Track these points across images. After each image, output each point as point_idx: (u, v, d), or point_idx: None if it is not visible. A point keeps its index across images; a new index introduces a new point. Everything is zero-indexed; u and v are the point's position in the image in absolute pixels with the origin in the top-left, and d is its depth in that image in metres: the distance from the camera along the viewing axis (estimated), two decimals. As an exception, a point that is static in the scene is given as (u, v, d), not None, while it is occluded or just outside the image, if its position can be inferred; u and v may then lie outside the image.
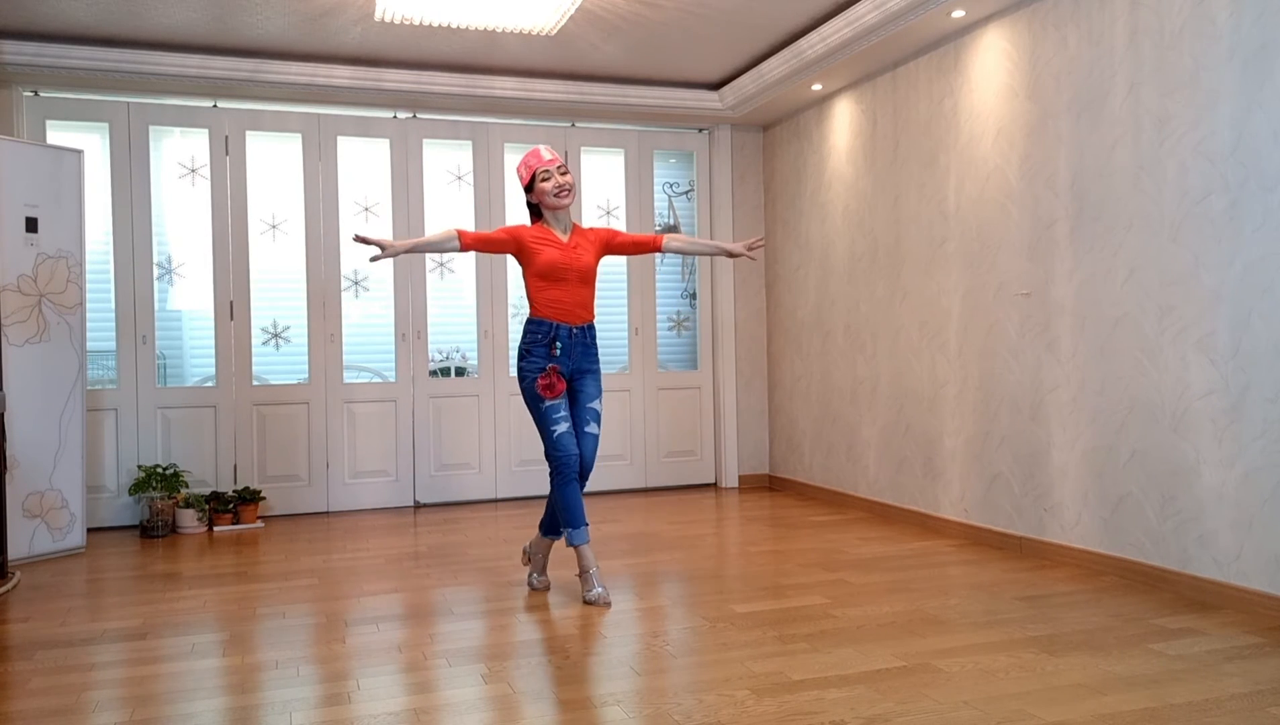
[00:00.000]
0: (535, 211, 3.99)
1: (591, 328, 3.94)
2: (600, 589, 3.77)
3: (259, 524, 5.66)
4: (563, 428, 3.80)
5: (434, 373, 6.39)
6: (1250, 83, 3.44)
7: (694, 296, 6.99)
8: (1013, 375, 4.55)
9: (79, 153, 5.09)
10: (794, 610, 3.59)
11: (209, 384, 5.93)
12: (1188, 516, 3.69)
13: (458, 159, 6.45)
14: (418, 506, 6.22)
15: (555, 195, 3.84)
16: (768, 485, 6.85)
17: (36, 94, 5.57)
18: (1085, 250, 4.13)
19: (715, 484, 6.85)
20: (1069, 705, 2.60)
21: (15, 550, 4.65)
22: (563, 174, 3.85)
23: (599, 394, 3.94)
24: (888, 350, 5.49)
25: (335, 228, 6.07)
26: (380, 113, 6.14)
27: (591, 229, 4.04)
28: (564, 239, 3.91)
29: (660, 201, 6.90)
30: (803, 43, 5.37)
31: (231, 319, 5.90)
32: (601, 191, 6.75)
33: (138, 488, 5.45)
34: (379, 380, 6.28)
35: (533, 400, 3.83)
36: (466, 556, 4.69)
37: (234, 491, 5.72)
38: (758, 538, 5.01)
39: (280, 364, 6.14)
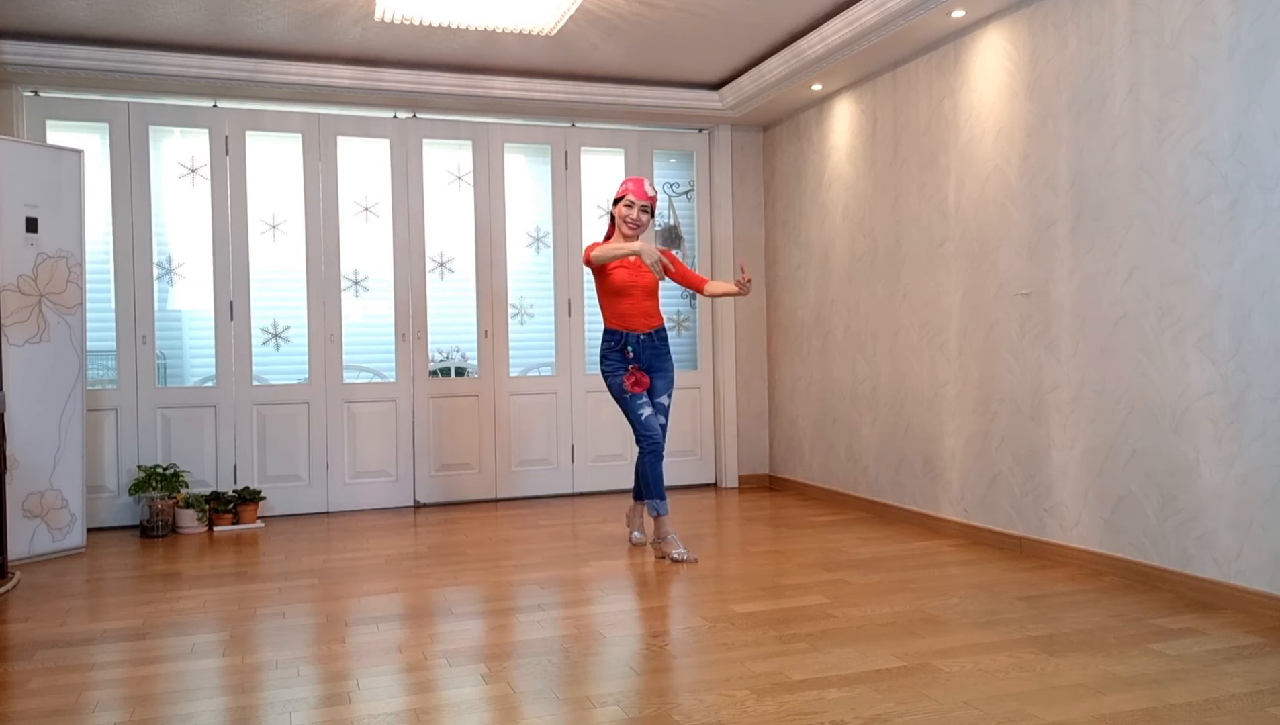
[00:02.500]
0: (614, 220, 4.65)
1: (660, 332, 4.63)
2: (684, 549, 4.50)
3: (259, 524, 5.66)
4: (647, 412, 4.52)
5: (434, 373, 6.39)
6: (1250, 83, 3.44)
7: (694, 297, 6.99)
8: (1013, 375, 4.56)
9: (79, 153, 5.09)
10: (794, 610, 3.59)
11: (209, 384, 5.93)
12: (1188, 516, 3.69)
13: (458, 159, 6.45)
14: (418, 506, 6.22)
15: (625, 224, 4.55)
16: (768, 485, 6.85)
17: (36, 94, 5.58)
18: (1085, 250, 4.13)
19: (715, 484, 6.85)
20: (1069, 705, 2.60)
21: (15, 550, 4.65)
22: (644, 212, 4.55)
23: (668, 389, 4.63)
24: (888, 350, 5.49)
25: (335, 228, 6.07)
26: (380, 113, 6.14)
27: (659, 249, 4.56)
28: (632, 259, 4.54)
29: (660, 201, 6.90)
30: (803, 43, 5.37)
31: (231, 319, 5.90)
32: (602, 191, 6.75)
33: (138, 488, 5.45)
34: (379, 380, 6.28)
35: (617, 392, 4.57)
36: (466, 556, 4.69)
37: (234, 491, 5.72)
38: (758, 538, 5.01)
39: (280, 364, 6.14)
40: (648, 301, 4.57)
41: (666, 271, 4.47)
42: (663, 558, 4.50)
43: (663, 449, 4.56)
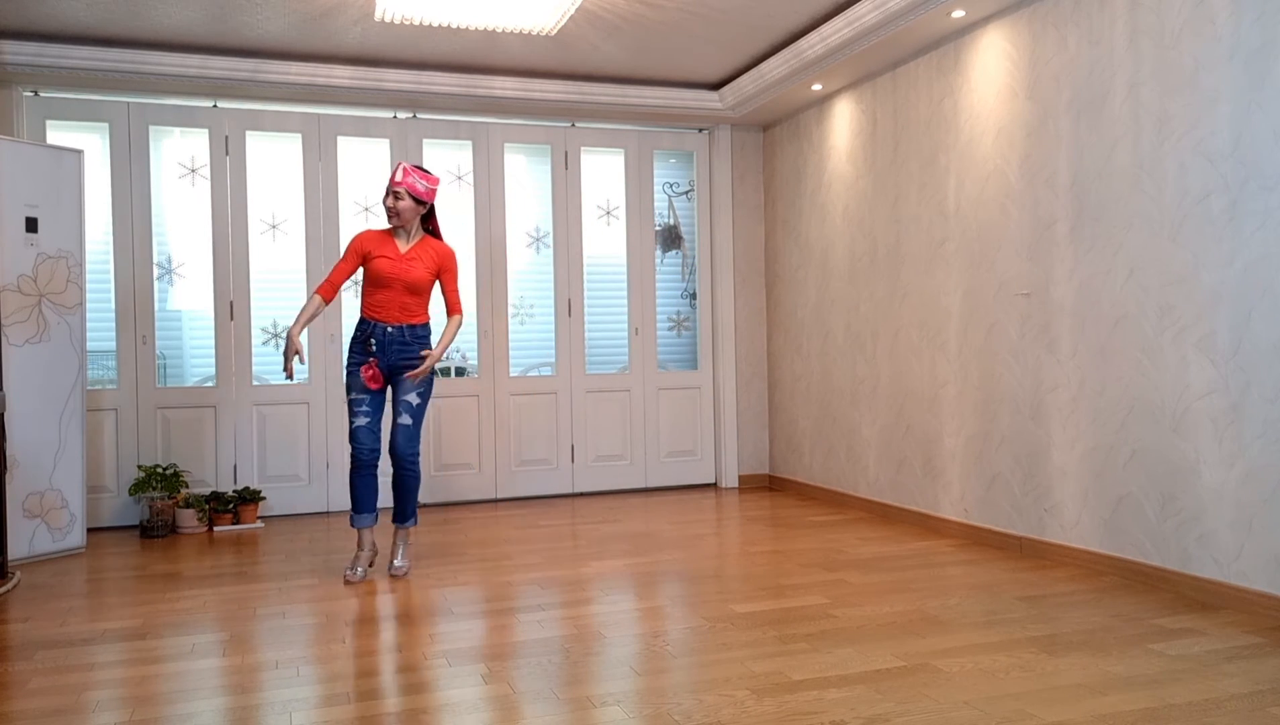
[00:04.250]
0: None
1: (414, 328, 4.28)
2: (363, 569, 4.25)
3: (259, 524, 5.66)
4: (360, 422, 4.22)
5: (434, 373, 6.37)
6: (1250, 83, 3.44)
7: (694, 296, 6.99)
8: (1013, 375, 4.56)
9: (79, 153, 5.08)
10: (794, 610, 3.59)
11: (209, 384, 5.93)
12: (1188, 516, 3.69)
13: (458, 159, 6.45)
14: (418, 506, 6.21)
15: (388, 210, 4.24)
16: (768, 485, 6.85)
17: (36, 94, 5.58)
18: (1085, 250, 4.13)
19: (715, 484, 6.85)
20: (1069, 705, 2.60)
21: (15, 550, 4.65)
22: (396, 197, 4.21)
23: (415, 388, 4.28)
24: (888, 350, 5.49)
25: (335, 228, 6.07)
26: (380, 113, 6.14)
27: (438, 246, 4.35)
28: (402, 250, 4.27)
29: (660, 201, 6.90)
30: (803, 43, 5.37)
31: (231, 319, 5.90)
32: (601, 191, 6.75)
33: (138, 488, 5.45)
34: (379, 380, 6.28)
35: (347, 390, 4.28)
36: (466, 556, 4.69)
37: (234, 491, 5.72)
38: (758, 538, 5.01)
39: (280, 364, 6.14)
40: (408, 297, 4.24)
41: (440, 278, 4.29)
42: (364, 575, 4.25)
43: (399, 458, 4.23)
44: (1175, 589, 3.72)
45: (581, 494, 6.55)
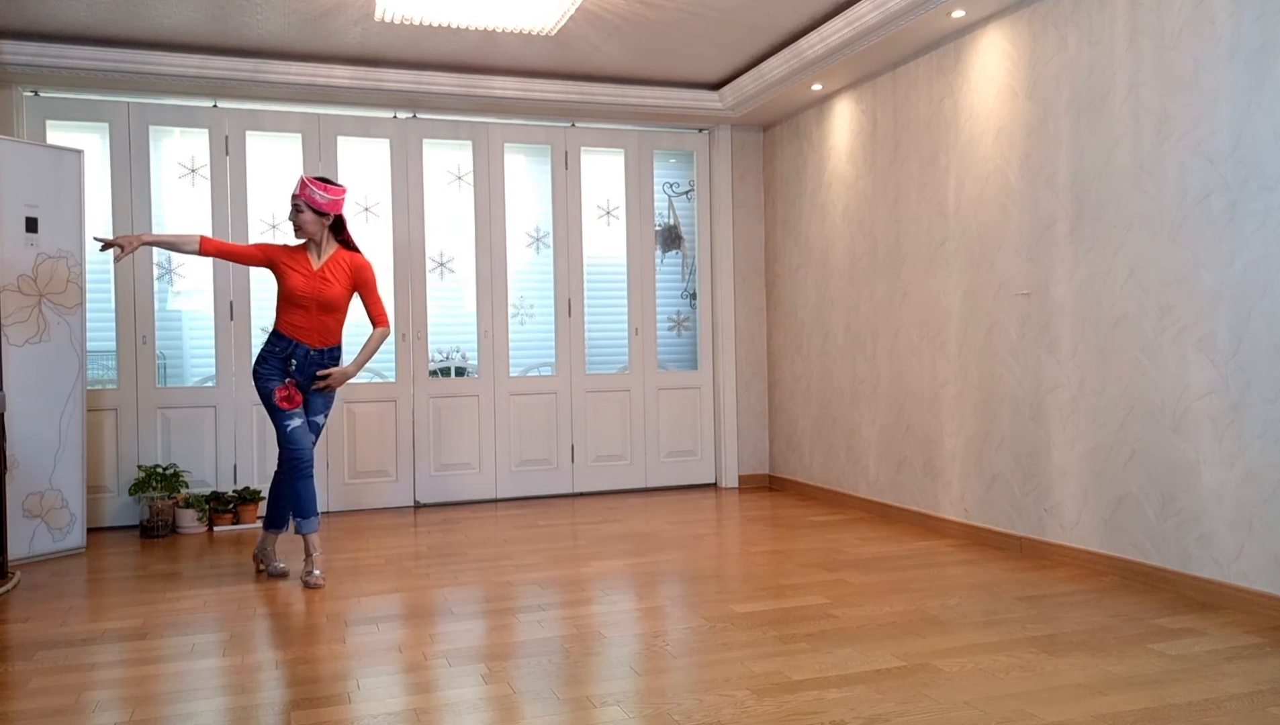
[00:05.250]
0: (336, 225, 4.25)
1: (333, 351, 4.23)
2: (319, 572, 4.15)
3: (259, 524, 5.66)
4: (296, 422, 4.13)
5: (434, 373, 6.38)
6: (1250, 83, 3.44)
7: (694, 296, 6.99)
8: (1013, 375, 4.56)
9: (79, 153, 5.08)
10: (794, 610, 3.59)
11: (209, 384, 5.93)
12: (1188, 516, 3.69)
13: (458, 159, 6.45)
14: (418, 506, 6.22)
15: (296, 227, 4.14)
16: (768, 485, 6.85)
17: (36, 94, 5.58)
18: (1085, 250, 4.13)
19: (715, 484, 6.85)
20: (1069, 705, 2.60)
21: (15, 550, 4.65)
22: (296, 211, 4.11)
23: (325, 410, 4.30)
24: (888, 350, 5.49)
25: (335, 228, 6.07)
26: (380, 113, 6.14)
27: (352, 258, 4.23)
28: (315, 266, 4.16)
29: (660, 201, 6.90)
30: (803, 43, 5.37)
31: (231, 319, 5.90)
32: (601, 191, 6.75)
33: (138, 488, 5.45)
34: (379, 380, 6.28)
35: (266, 398, 4.15)
36: (466, 556, 4.69)
37: (234, 491, 5.72)
38: (758, 538, 5.01)
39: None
40: (325, 317, 4.15)
41: (359, 291, 4.21)
42: (308, 581, 4.13)
43: (311, 465, 4.18)
44: (1175, 589, 3.72)
45: (581, 494, 6.55)
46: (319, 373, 4.20)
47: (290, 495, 4.18)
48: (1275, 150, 3.36)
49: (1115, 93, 3.99)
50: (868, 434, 5.70)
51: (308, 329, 4.15)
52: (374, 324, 4.28)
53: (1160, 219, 3.78)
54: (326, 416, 4.33)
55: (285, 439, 4.12)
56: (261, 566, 4.43)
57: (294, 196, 4.12)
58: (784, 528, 5.27)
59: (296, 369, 4.17)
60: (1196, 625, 3.31)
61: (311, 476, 4.19)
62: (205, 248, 4.10)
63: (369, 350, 4.22)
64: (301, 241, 4.23)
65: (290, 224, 4.21)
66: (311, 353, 4.17)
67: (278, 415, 4.13)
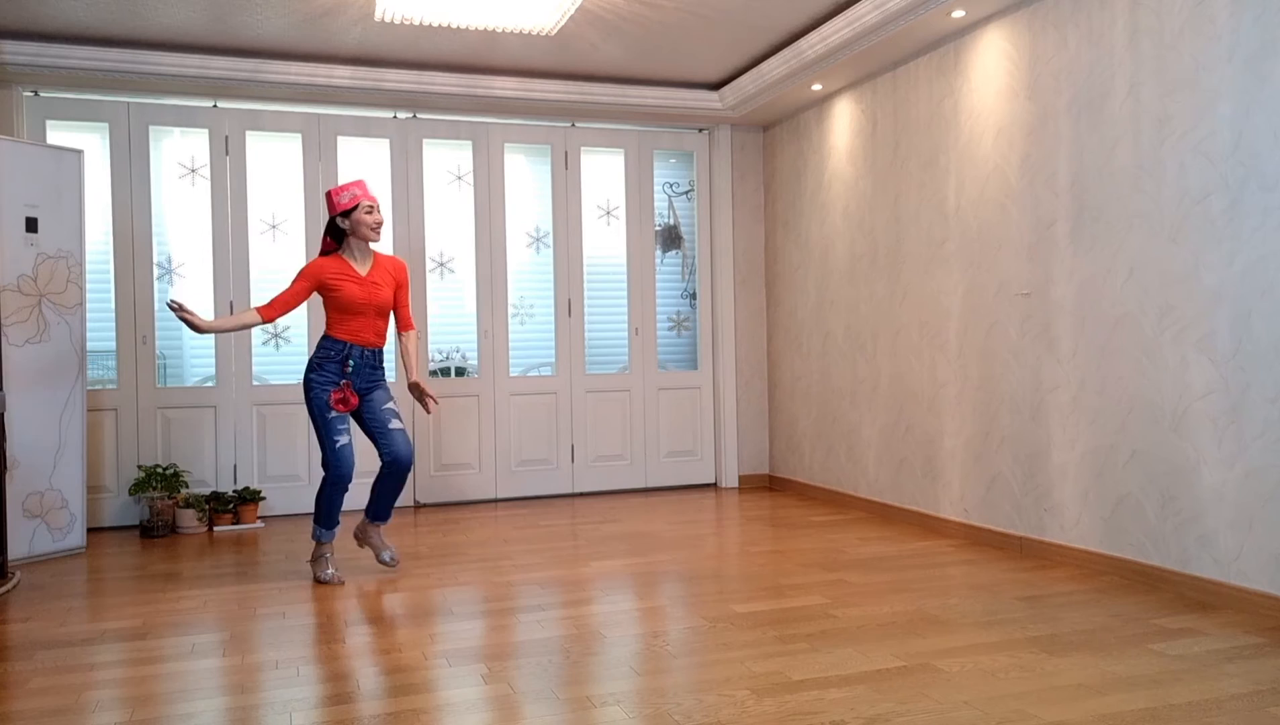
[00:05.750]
0: (336, 233, 4.23)
1: (379, 352, 4.31)
2: (333, 571, 4.22)
3: (259, 524, 5.66)
4: (344, 440, 4.16)
5: (434, 373, 6.38)
6: (1250, 83, 3.44)
7: (694, 296, 6.99)
8: (1013, 375, 4.56)
9: (79, 153, 5.09)
10: (794, 610, 3.59)
11: (209, 384, 5.93)
12: (1188, 516, 3.69)
13: (458, 159, 6.45)
14: (418, 506, 6.22)
15: (373, 229, 4.19)
16: (768, 485, 6.85)
17: (36, 94, 5.58)
18: (1085, 250, 4.13)
19: (715, 484, 6.85)
20: (1069, 705, 2.60)
21: (15, 550, 4.65)
22: (379, 212, 4.23)
23: (391, 398, 4.33)
24: (888, 350, 5.49)
25: (335, 228, 6.07)
26: (380, 113, 6.14)
27: (392, 261, 4.34)
28: (362, 272, 4.22)
29: (660, 201, 6.90)
30: (803, 43, 5.37)
31: (231, 319, 5.90)
32: (601, 191, 6.75)
33: (138, 488, 5.45)
34: (379, 380, 6.28)
35: (319, 411, 4.15)
36: (466, 556, 4.69)
37: (234, 491, 5.72)
38: (758, 538, 5.01)
39: (280, 364, 6.14)
40: (379, 321, 4.26)
41: (395, 292, 4.26)
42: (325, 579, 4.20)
43: (403, 466, 4.20)
44: (1175, 589, 3.72)
45: (581, 494, 6.55)
46: (430, 396, 4.31)
47: (324, 501, 4.19)
48: (1275, 150, 3.36)
49: (1115, 93, 3.99)
50: (868, 434, 5.70)
51: (365, 332, 4.22)
52: (403, 327, 4.38)
53: (1160, 219, 3.78)
54: (394, 400, 4.33)
55: (333, 456, 4.12)
56: (367, 549, 4.48)
57: (373, 198, 4.19)
58: (784, 528, 5.27)
59: (354, 371, 4.19)
60: (1196, 625, 3.31)
61: (404, 476, 4.25)
62: (268, 316, 4.11)
63: (417, 355, 4.39)
64: (330, 253, 4.22)
65: (367, 230, 4.17)
66: (366, 352, 4.23)
67: (327, 430, 4.12)
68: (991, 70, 4.66)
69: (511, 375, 6.45)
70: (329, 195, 4.20)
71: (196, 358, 6.07)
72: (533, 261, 6.62)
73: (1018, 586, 3.88)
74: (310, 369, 4.18)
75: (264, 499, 5.86)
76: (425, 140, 6.27)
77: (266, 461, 5.95)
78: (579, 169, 6.56)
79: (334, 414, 4.14)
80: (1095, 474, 4.10)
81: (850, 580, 4.04)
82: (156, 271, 5.85)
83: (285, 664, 3.09)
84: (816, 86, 5.81)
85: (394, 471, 4.24)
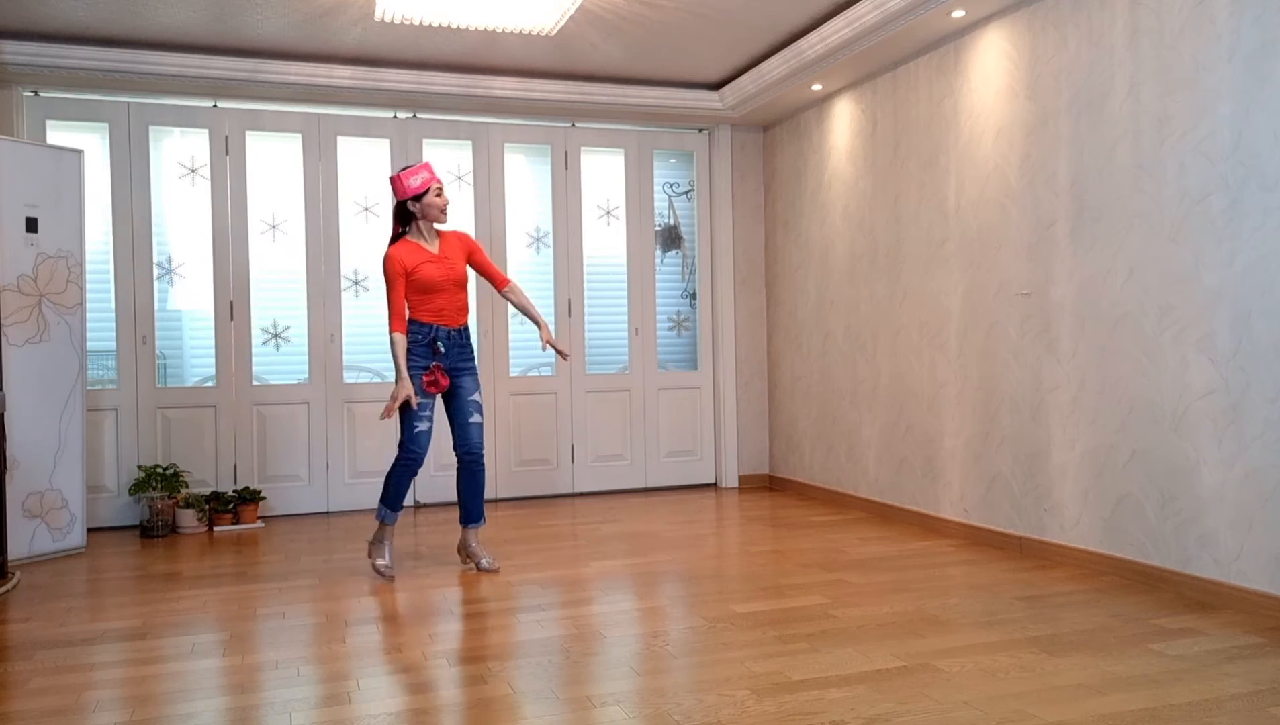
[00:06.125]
0: (403, 217, 4.29)
1: (466, 330, 4.36)
2: (386, 562, 4.28)
3: (259, 524, 5.66)
4: (423, 427, 4.22)
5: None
6: (1250, 83, 3.44)
7: (694, 296, 6.99)
8: (1013, 375, 4.56)
9: (79, 153, 5.09)
10: (794, 610, 3.59)
11: (209, 384, 5.93)
12: (1188, 516, 3.69)
13: (458, 159, 6.45)
14: (418, 506, 6.22)
15: (442, 210, 4.28)
16: (768, 485, 6.85)
17: (36, 94, 5.58)
18: (1085, 250, 4.13)
19: (715, 484, 6.85)
20: (1069, 705, 2.60)
21: (15, 550, 4.65)
22: (445, 193, 4.32)
23: (478, 388, 4.37)
24: (888, 350, 5.49)
25: (335, 228, 6.07)
26: (380, 113, 6.14)
27: (454, 234, 4.39)
28: (434, 251, 4.29)
29: (660, 201, 6.90)
30: (803, 43, 5.37)
31: (231, 319, 5.90)
32: (601, 191, 6.75)
33: (138, 488, 5.45)
34: (379, 380, 6.28)
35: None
36: (466, 556, 4.69)
37: (234, 491, 5.72)
38: (758, 538, 5.01)
39: (280, 364, 6.14)
40: (460, 295, 4.30)
41: (471, 261, 4.36)
42: (377, 570, 4.29)
43: (474, 458, 4.29)
44: (1175, 589, 3.72)
45: (581, 494, 6.55)
46: (561, 349, 4.38)
47: (391, 486, 4.24)
48: (1275, 150, 3.36)
49: (1115, 93, 3.99)
50: (868, 434, 5.70)
51: (448, 310, 4.27)
52: (500, 283, 4.42)
53: (1160, 219, 3.78)
54: (480, 394, 4.37)
55: (410, 439, 4.21)
56: (468, 561, 4.45)
57: (440, 182, 4.26)
58: (784, 528, 5.27)
59: (444, 353, 4.25)
60: (1196, 625, 3.31)
61: (480, 470, 4.32)
62: (399, 328, 4.18)
63: (530, 303, 4.44)
64: (399, 237, 4.28)
65: (438, 212, 4.25)
66: (452, 332, 4.29)
67: (409, 414, 4.19)
68: (991, 70, 4.66)
69: (512, 375, 6.45)
70: (396, 180, 4.23)
71: (196, 358, 6.07)
72: (533, 261, 6.62)
73: (1018, 586, 3.88)
74: (409, 353, 4.24)
75: (264, 499, 5.86)
76: (425, 140, 6.27)
77: (266, 461, 5.95)
78: (579, 169, 6.56)
79: (420, 399, 4.20)
80: (1095, 474, 4.10)
81: (850, 580, 4.04)
82: (156, 271, 5.85)
83: (285, 664, 3.09)
84: (816, 86, 5.81)
85: (465, 465, 4.31)
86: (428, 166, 4.26)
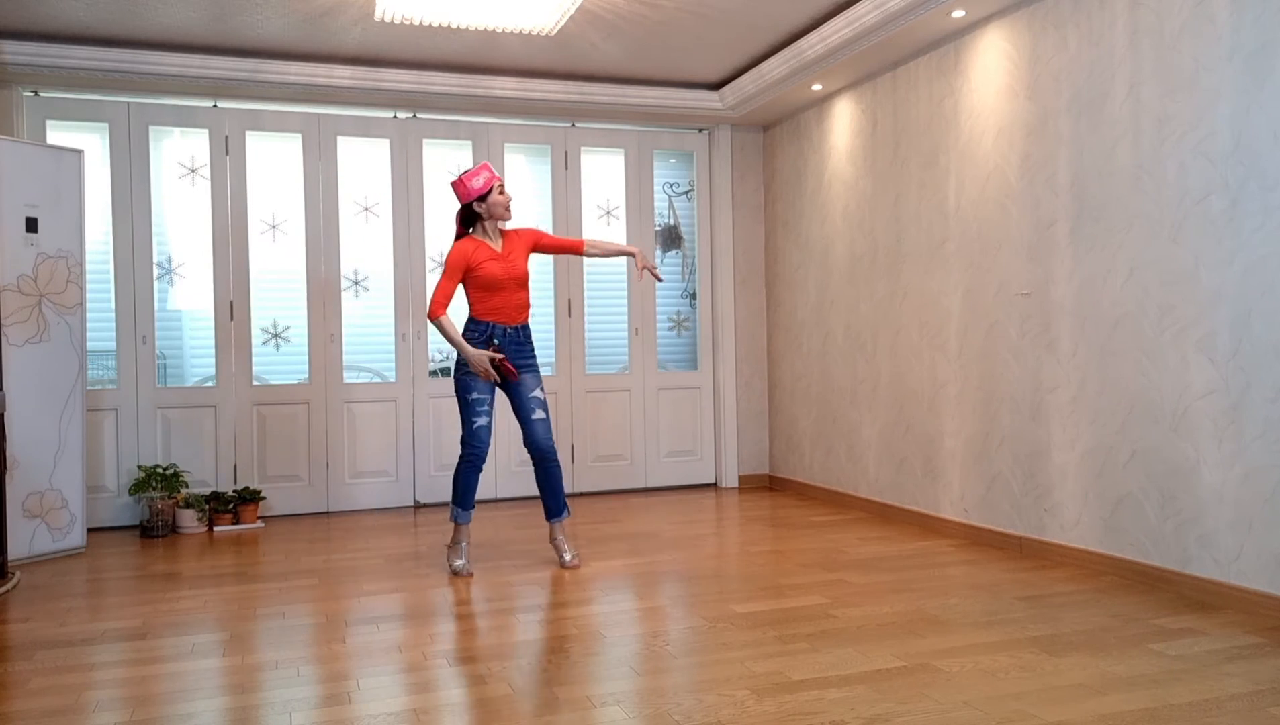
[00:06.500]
0: (469, 218, 4.36)
1: (526, 328, 4.40)
2: (463, 562, 4.31)
3: (259, 524, 5.66)
4: (482, 422, 4.29)
5: (434, 373, 6.38)
6: (1250, 83, 3.44)
7: (694, 296, 6.99)
8: (1013, 375, 4.56)
9: (79, 153, 5.09)
10: (794, 610, 3.59)
11: (209, 384, 5.93)
12: (1188, 516, 3.69)
13: (458, 159, 6.45)
14: (418, 506, 6.22)
15: (507, 208, 4.33)
16: (768, 485, 6.85)
17: (36, 94, 5.58)
18: (1085, 250, 4.13)
19: (715, 484, 6.85)
20: (1069, 705, 2.60)
21: (15, 550, 4.65)
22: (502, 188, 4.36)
23: (539, 384, 4.38)
24: (888, 350, 5.49)
25: (335, 228, 6.07)
26: (380, 113, 6.14)
27: (518, 231, 4.45)
28: (498, 249, 4.34)
29: (660, 201, 6.90)
30: (803, 43, 5.37)
31: (231, 319, 5.90)
32: (601, 191, 6.75)
33: (138, 488, 5.45)
34: (379, 380, 6.28)
35: (463, 392, 4.28)
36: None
37: (234, 491, 5.72)
38: (758, 538, 5.01)
39: (280, 364, 6.14)
40: (521, 293, 4.36)
41: (538, 249, 4.44)
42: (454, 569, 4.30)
43: (543, 454, 4.32)
44: (1175, 589, 3.72)
45: (581, 494, 6.55)
46: (656, 271, 4.49)
47: (458, 485, 4.32)
48: (1275, 150, 3.36)
49: (1115, 93, 3.99)
50: (868, 434, 5.70)
51: (506, 308, 4.31)
52: (575, 247, 4.51)
53: (1160, 219, 3.78)
54: (542, 389, 4.38)
55: (470, 435, 4.28)
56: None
57: (501, 180, 4.32)
58: (784, 528, 5.27)
59: (502, 350, 4.29)
60: (1196, 625, 3.31)
61: (555, 466, 4.35)
62: (434, 314, 4.19)
63: (612, 243, 4.58)
64: (470, 235, 4.34)
65: (503, 210, 4.32)
66: (509, 331, 4.32)
67: (469, 410, 4.26)
68: (991, 70, 4.66)
69: (511, 375, 6.44)
70: (458, 184, 4.30)
71: (196, 358, 6.07)
72: (533, 261, 6.59)
73: (1018, 586, 3.88)
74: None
75: (264, 499, 5.86)
76: (425, 140, 6.27)
77: (266, 461, 5.95)
78: (579, 169, 6.56)
79: (476, 396, 4.26)
80: (1095, 474, 4.10)
81: (850, 580, 4.04)
82: (156, 271, 5.85)
83: (285, 664, 3.09)
84: (816, 86, 5.81)
85: (538, 461, 4.35)
86: (487, 167, 4.31)
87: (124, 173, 5.71)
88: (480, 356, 4.18)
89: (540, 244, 4.45)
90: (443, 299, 4.19)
